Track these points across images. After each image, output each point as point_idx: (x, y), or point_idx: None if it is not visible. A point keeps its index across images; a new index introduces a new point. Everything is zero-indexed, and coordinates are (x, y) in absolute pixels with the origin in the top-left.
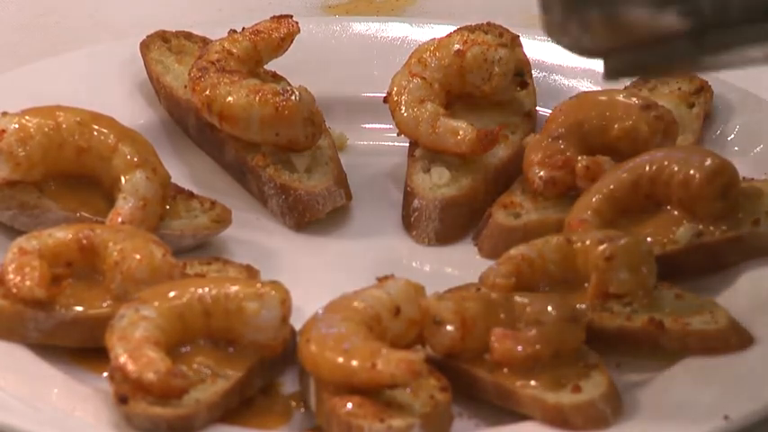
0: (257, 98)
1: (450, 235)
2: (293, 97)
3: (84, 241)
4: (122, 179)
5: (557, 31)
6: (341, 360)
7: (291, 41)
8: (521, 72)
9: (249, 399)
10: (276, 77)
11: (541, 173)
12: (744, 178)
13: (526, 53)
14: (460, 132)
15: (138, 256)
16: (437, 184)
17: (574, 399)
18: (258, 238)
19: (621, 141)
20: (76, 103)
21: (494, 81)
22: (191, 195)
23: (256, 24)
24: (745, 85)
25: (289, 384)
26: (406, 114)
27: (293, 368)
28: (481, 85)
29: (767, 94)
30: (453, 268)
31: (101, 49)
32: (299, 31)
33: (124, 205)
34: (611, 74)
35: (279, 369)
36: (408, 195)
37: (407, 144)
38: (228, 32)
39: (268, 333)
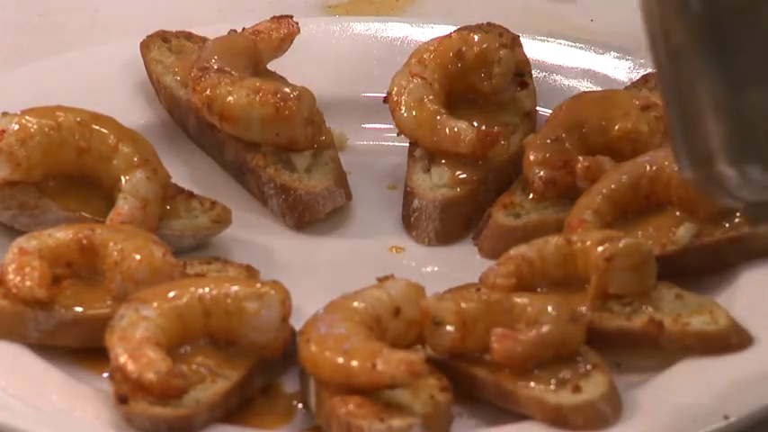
0: (257, 98)
1: (451, 235)
2: (293, 97)
3: (84, 241)
4: (122, 179)
5: (711, 184)
6: (341, 360)
7: (291, 41)
8: (521, 72)
9: (249, 399)
10: (276, 77)
11: (541, 173)
12: None
13: (526, 53)
14: (460, 132)
15: (138, 256)
16: (437, 184)
17: (574, 399)
18: (258, 238)
19: (621, 141)
20: (76, 103)
21: (494, 81)
22: (191, 195)
23: (256, 24)
24: None
25: (289, 384)
26: (406, 114)
27: (293, 368)
28: (481, 85)
29: None
30: (453, 268)
31: (101, 49)
32: (299, 31)
33: (124, 205)
34: (755, 221)
35: (279, 369)
36: (408, 195)
37: (407, 144)
38: (228, 32)
39: (268, 333)
